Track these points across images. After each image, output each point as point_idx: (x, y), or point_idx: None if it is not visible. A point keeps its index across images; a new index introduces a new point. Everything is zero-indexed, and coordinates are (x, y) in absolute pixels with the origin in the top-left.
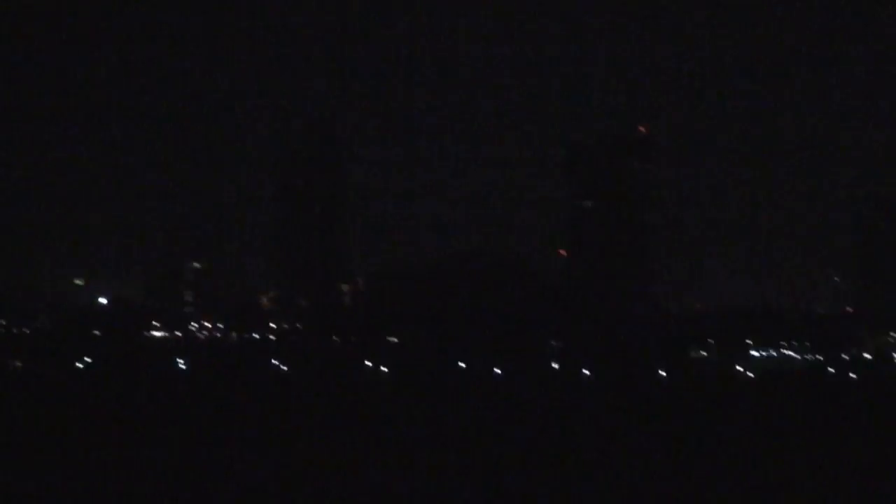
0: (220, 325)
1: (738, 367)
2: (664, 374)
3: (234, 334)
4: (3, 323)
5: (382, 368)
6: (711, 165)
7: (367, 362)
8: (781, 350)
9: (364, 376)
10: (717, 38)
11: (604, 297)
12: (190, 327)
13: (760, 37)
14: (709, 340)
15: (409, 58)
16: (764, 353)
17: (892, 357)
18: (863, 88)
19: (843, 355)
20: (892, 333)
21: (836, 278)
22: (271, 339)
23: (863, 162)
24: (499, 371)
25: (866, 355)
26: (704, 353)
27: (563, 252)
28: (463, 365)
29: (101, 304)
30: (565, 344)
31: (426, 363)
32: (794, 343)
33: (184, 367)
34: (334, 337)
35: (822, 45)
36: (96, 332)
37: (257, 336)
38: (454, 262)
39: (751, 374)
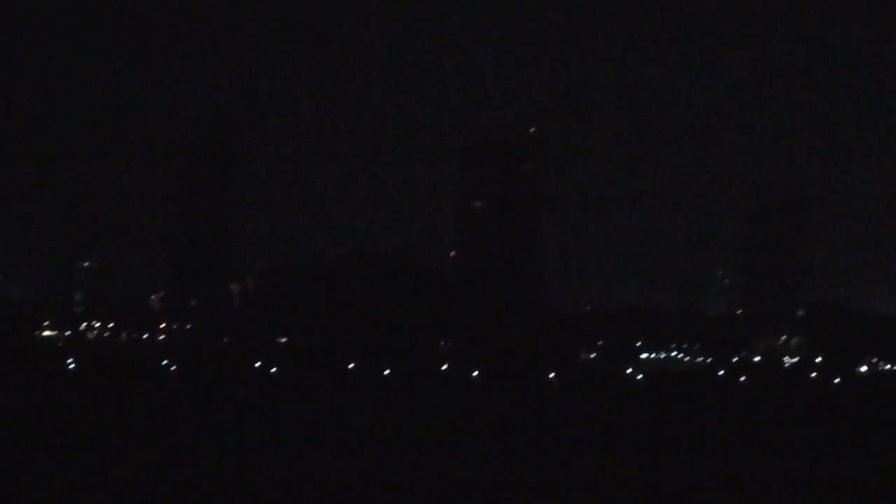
0: (111, 325)
1: (626, 370)
2: (553, 375)
3: (123, 334)
4: None
5: (271, 369)
6: (605, 167)
7: (256, 363)
8: (671, 352)
9: (253, 377)
10: (609, 39)
11: (494, 299)
12: (81, 327)
13: (651, 36)
14: (598, 342)
15: (304, 57)
16: (653, 355)
17: (782, 360)
18: (754, 88)
19: (733, 358)
20: (781, 336)
21: (726, 280)
22: (161, 340)
23: (752, 165)
24: (387, 372)
25: (755, 358)
26: (594, 355)
27: (453, 253)
28: (352, 366)
29: None
30: (455, 345)
31: (315, 364)
32: (683, 345)
33: (72, 367)
34: (224, 337)
35: (714, 44)
36: None
37: (147, 336)
38: (344, 263)
39: (639, 376)
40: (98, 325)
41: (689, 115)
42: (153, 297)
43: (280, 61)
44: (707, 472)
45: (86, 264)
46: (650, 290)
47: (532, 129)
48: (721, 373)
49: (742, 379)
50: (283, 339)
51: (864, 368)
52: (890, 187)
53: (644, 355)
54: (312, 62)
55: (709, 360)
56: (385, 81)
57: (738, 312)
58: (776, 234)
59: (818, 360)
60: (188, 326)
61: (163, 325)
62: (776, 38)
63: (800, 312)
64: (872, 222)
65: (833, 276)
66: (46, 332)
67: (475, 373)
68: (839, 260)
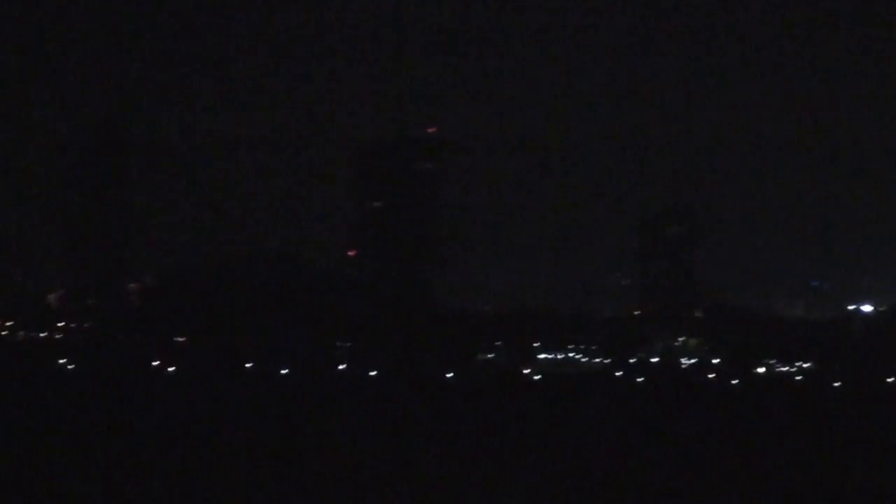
0: (9, 324)
1: (524, 370)
2: (451, 375)
3: (21, 333)
4: None
5: (169, 368)
6: (505, 169)
7: (153, 362)
8: (568, 353)
9: (150, 376)
10: (511, 37)
11: (391, 298)
12: None
13: (543, 37)
14: (496, 343)
15: (202, 51)
16: (551, 356)
17: (679, 361)
18: (637, 95)
19: (630, 358)
20: (679, 337)
21: (623, 282)
22: (59, 338)
23: (650, 168)
24: (285, 371)
25: (653, 358)
26: (492, 356)
27: (351, 253)
28: (249, 365)
29: None
30: (353, 344)
31: (213, 363)
32: (581, 346)
33: None
34: (122, 336)
35: (601, 49)
36: None
37: (45, 335)
38: (243, 262)
39: (537, 377)
40: None
41: (587, 121)
42: (51, 295)
43: (176, 55)
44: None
45: None
46: (548, 291)
47: (431, 129)
48: (619, 373)
49: (639, 379)
50: (182, 339)
51: (761, 370)
52: (784, 191)
53: (542, 356)
54: (212, 56)
55: (606, 361)
56: (284, 77)
57: (636, 314)
58: (674, 237)
59: (716, 361)
60: (86, 325)
61: (61, 324)
62: (660, 44)
63: (698, 314)
64: (770, 226)
65: (731, 278)
66: None
67: (372, 372)
68: (737, 262)
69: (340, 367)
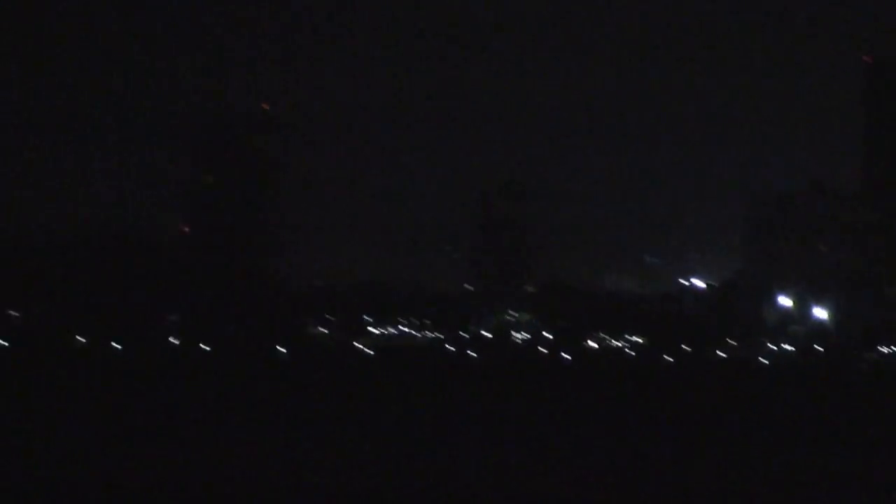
0: None
1: (357, 344)
2: (283, 350)
3: None
4: None
5: (2, 342)
6: (342, 142)
7: None
8: (400, 327)
9: None
10: (348, 20)
11: (224, 273)
12: None
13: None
14: (329, 317)
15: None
16: (383, 331)
17: (512, 335)
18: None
19: (463, 333)
20: (511, 312)
21: (456, 256)
22: None
23: (484, 144)
24: (118, 346)
25: (486, 333)
26: (325, 330)
27: (185, 228)
28: (82, 339)
29: None
30: (183, 319)
31: (45, 337)
32: (413, 320)
33: None
34: None
35: (444, 37)
36: None
37: None
38: (76, 237)
39: (370, 351)
40: None
41: (425, 96)
42: None
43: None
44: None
45: None
46: (383, 266)
47: (265, 105)
48: (451, 347)
49: (472, 353)
50: (15, 313)
51: (593, 344)
52: (616, 166)
53: (374, 330)
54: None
55: (439, 335)
56: (115, 55)
57: (469, 288)
58: (507, 212)
59: (548, 336)
60: None
61: None
62: (498, 24)
63: (530, 289)
64: (602, 201)
65: (564, 253)
66: None
67: (205, 346)
68: (569, 237)
69: (173, 341)
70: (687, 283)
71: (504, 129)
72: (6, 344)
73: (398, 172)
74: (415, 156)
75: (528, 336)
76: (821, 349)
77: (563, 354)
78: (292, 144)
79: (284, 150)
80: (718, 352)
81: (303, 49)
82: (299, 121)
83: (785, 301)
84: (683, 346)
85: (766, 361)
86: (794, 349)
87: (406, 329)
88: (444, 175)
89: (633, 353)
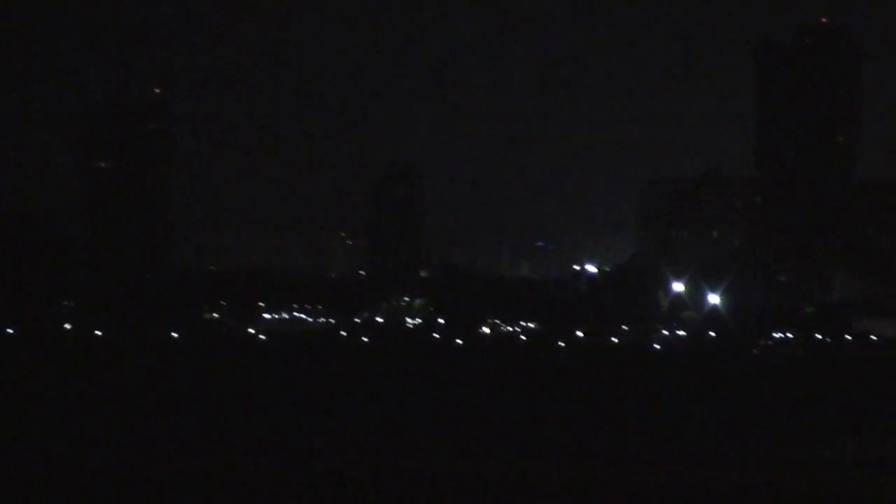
0: None
1: (250, 330)
2: (176, 334)
3: None
4: None
5: None
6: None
7: None
8: (294, 313)
9: None
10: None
11: (118, 258)
12: None
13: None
14: (222, 303)
15: None
16: (276, 316)
17: (405, 321)
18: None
19: (356, 319)
20: (404, 298)
21: (349, 242)
22: None
23: (375, 128)
24: (11, 330)
25: (378, 319)
26: (217, 315)
27: (81, 213)
28: None
29: None
30: (77, 304)
31: None
32: (307, 306)
33: None
34: None
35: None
36: None
37: None
38: None
39: (263, 337)
40: None
41: (317, 78)
42: None
43: None
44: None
45: None
46: (276, 251)
47: (157, 90)
48: (344, 333)
49: (364, 339)
50: None
51: (486, 329)
52: (510, 153)
53: (267, 315)
54: None
55: (332, 321)
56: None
57: (362, 274)
58: (400, 197)
59: (441, 321)
60: None
61: None
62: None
63: (423, 274)
64: (495, 186)
65: (457, 238)
66: None
67: (98, 332)
68: (463, 222)
69: (66, 326)
70: (581, 269)
71: (399, 114)
72: None
73: (294, 157)
74: (310, 140)
75: (422, 321)
76: (713, 335)
77: (456, 340)
78: (186, 129)
79: (177, 135)
80: (612, 338)
81: (195, 35)
82: (196, 106)
83: (678, 286)
84: (577, 332)
85: (659, 347)
86: (686, 334)
87: (299, 314)
88: (338, 160)
89: (525, 339)
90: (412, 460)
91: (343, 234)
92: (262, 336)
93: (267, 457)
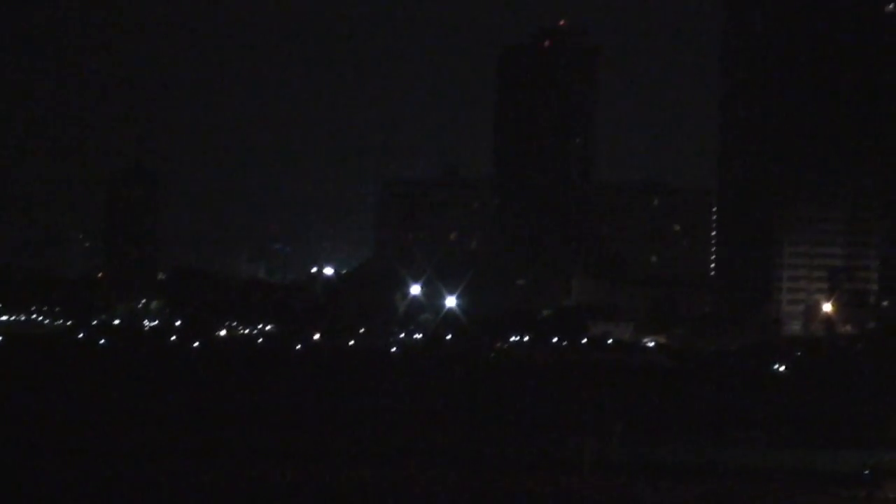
0: None
1: None
2: None
3: None
4: None
5: None
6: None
7: None
8: (31, 315)
9: None
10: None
11: None
12: None
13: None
14: None
15: None
16: (13, 318)
17: (142, 323)
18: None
19: (92, 321)
20: (142, 300)
21: (86, 244)
22: None
23: (107, 129)
24: None
25: (116, 321)
26: None
27: None
28: None
29: None
30: None
31: None
32: (43, 308)
33: None
34: None
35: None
36: None
37: None
38: None
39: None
40: None
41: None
42: None
43: None
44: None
45: None
46: (10, 251)
47: None
48: (81, 335)
49: (101, 341)
50: None
51: (223, 332)
52: (249, 157)
53: (2, 317)
54: None
55: (69, 323)
56: None
57: (99, 276)
58: (135, 199)
59: (178, 323)
60: None
61: None
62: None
63: (160, 276)
64: (232, 190)
65: (194, 240)
66: None
67: None
68: (200, 225)
69: None
70: (318, 272)
71: (137, 117)
72: None
73: (32, 153)
74: (47, 137)
75: (158, 323)
76: (449, 337)
77: (192, 343)
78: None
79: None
80: (349, 340)
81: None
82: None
83: (415, 289)
84: (314, 335)
85: (395, 349)
86: (423, 337)
87: (35, 316)
88: (76, 161)
89: (262, 341)
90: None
91: (81, 236)
92: None
93: None
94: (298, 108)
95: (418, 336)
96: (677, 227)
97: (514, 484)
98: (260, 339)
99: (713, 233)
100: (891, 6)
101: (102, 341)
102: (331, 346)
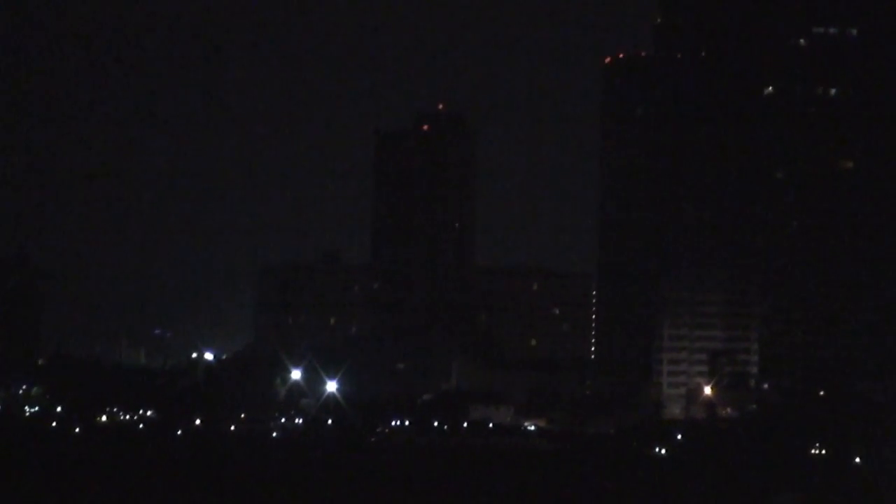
0: None
1: None
2: None
3: None
4: None
5: None
6: None
7: None
8: None
9: None
10: None
11: None
12: None
13: None
14: None
15: None
16: None
17: (23, 409)
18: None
19: None
20: (22, 386)
21: None
22: None
23: None
24: None
25: None
26: None
27: None
28: None
29: None
30: None
31: None
32: None
33: None
34: None
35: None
36: None
37: None
38: None
39: None
40: None
41: None
42: None
43: None
44: None
45: None
46: None
47: None
48: None
49: None
50: None
51: (104, 418)
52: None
53: None
54: None
55: None
56: None
57: None
58: (12, 288)
59: (59, 409)
60: None
61: None
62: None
63: (40, 362)
64: (112, 275)
65: (74, 325)
66: None
67: None
68: (80, 310)
69: None
70: (198, 357)
71: (15, 203)
72: None
73: None
74: None
75: (38, 410)
76: (331, 422)
77: (74, 429)
78: None
79: None
80: (231, 426)
81: None
82: None
83: (296, 373)
84: (195, 421)
85: (276, 434)
86: (303, 422)
87: None
88: None
89: (142, 427)
90: None
91: None
92: None
93: None
94: (174, 192)
95: (299, 421)
96: (557, 311)
97: None
98: (140, 425)
99: (593, 316)
100: (769, 89)
101: None
102: (212, 431)
